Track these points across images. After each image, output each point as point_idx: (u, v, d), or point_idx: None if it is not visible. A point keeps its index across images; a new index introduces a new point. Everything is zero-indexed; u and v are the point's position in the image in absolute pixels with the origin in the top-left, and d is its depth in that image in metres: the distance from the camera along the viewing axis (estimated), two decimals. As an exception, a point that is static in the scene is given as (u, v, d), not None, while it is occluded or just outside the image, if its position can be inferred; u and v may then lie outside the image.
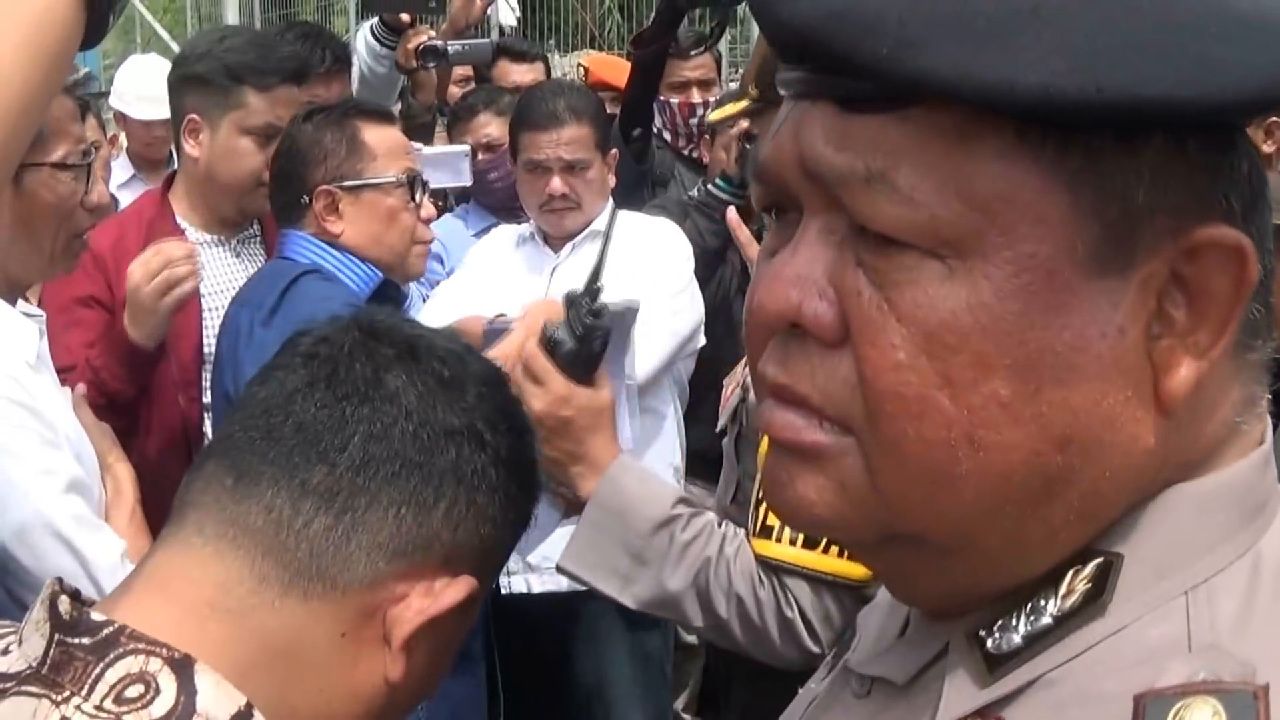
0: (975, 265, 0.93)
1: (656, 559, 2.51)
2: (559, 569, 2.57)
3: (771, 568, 2.50)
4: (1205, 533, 1.00)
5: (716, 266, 5.10)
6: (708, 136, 5.90)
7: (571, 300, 2.48)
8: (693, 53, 6.19)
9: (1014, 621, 1.01)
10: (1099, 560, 0.99)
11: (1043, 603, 1.00)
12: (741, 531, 2.57)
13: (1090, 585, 0.99)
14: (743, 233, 4.26)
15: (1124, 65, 0.89)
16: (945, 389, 0.95)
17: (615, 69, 7.16)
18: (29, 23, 1.40)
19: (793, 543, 2.47)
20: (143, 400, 3.96)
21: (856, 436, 0.99)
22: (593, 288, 2.54)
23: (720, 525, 2.58)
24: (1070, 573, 1.00)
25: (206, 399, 4.13)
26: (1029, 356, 0.93)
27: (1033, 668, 0.99)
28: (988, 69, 0.89)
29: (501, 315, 4.01)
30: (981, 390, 0.94)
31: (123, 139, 7.67)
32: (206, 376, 4.14)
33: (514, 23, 9.56)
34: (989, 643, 1.01)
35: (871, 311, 0.96)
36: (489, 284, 4.47)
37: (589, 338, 2.45)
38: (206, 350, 4.17)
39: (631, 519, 2.50)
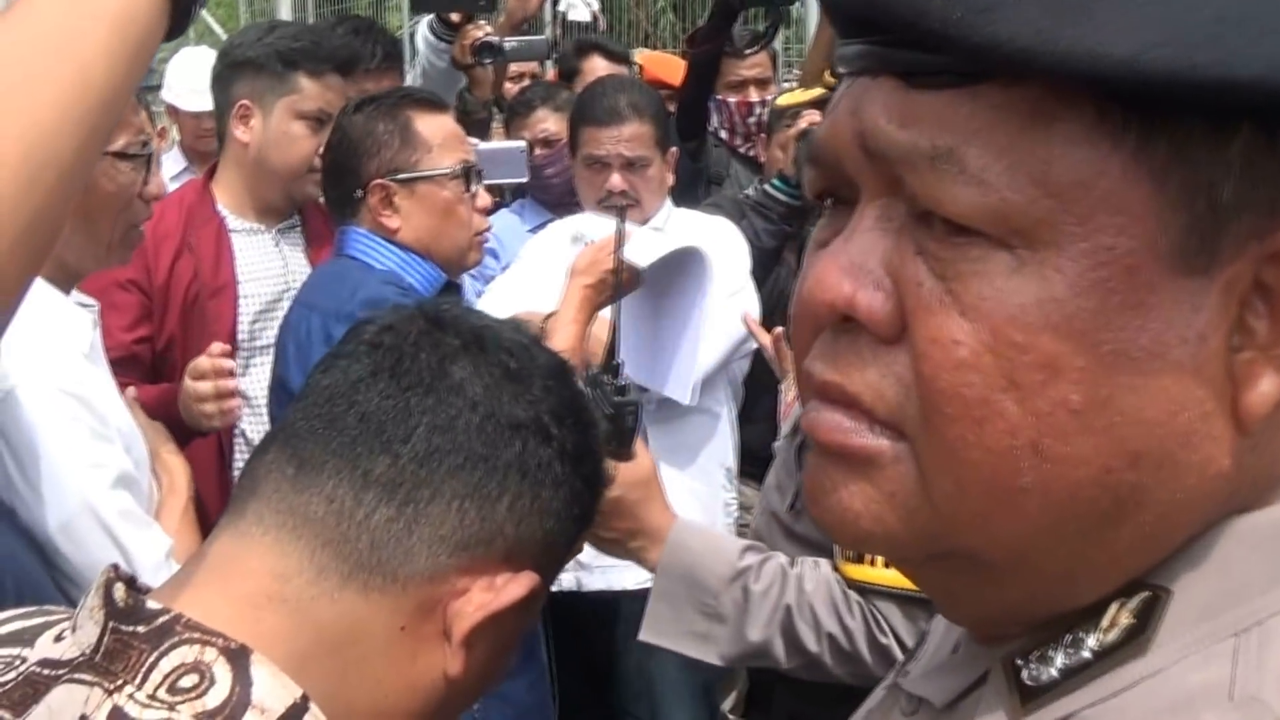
0: (1048, 257, 0.87)
1: (734, 614, 2.52)
2: (640, 642, 2.57)
3: (861, 590, 2.49)
4: (1264, 569, 0.92)
5: (772, 266, 5.10)
6: (764, 135, 5.89)
7: (594, 380, 2.46)
8: (748, 51, 6.17)
9: (1052, 653, 0.95)
10: (1145, 594, 0.93)
11: (1083, 635, 0.94)
12: (823, 564, 2.56)
13: (1134, 621, 0.92)
14: (763, 335, 4.26)
15: (1219, 40, 0.83)
16: (1011, 392, 0.88)
17: (669, 67, 7.15)
18: (113, 19, 1.39)
19: (887, 565, 2.44)
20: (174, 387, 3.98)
21: (910, 442, 0.93)
22: (612, 364, 2.53)
23: (793, 565, 2.56)
24: (1114, 605, 0.94)
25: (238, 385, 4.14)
26: (1103, 360, 0.87)
27: (1066, 704, 0.92)
28: (1070, 38, 0.83)
29: (556, 313, 4.01)
30: (1050, 395, 0.87)
31: (173, 132, 7.70)
32: (239, 362, 4.15)
33: (588, 18, 9.40)
34: (1024, 674, 0.96)
35: (932, 304, 0.90)
36: (544, 280, 4.44)
37: (621, 414, 2.45)
38: (240, 337, 4.23)
39: (701, 579, 2.51)
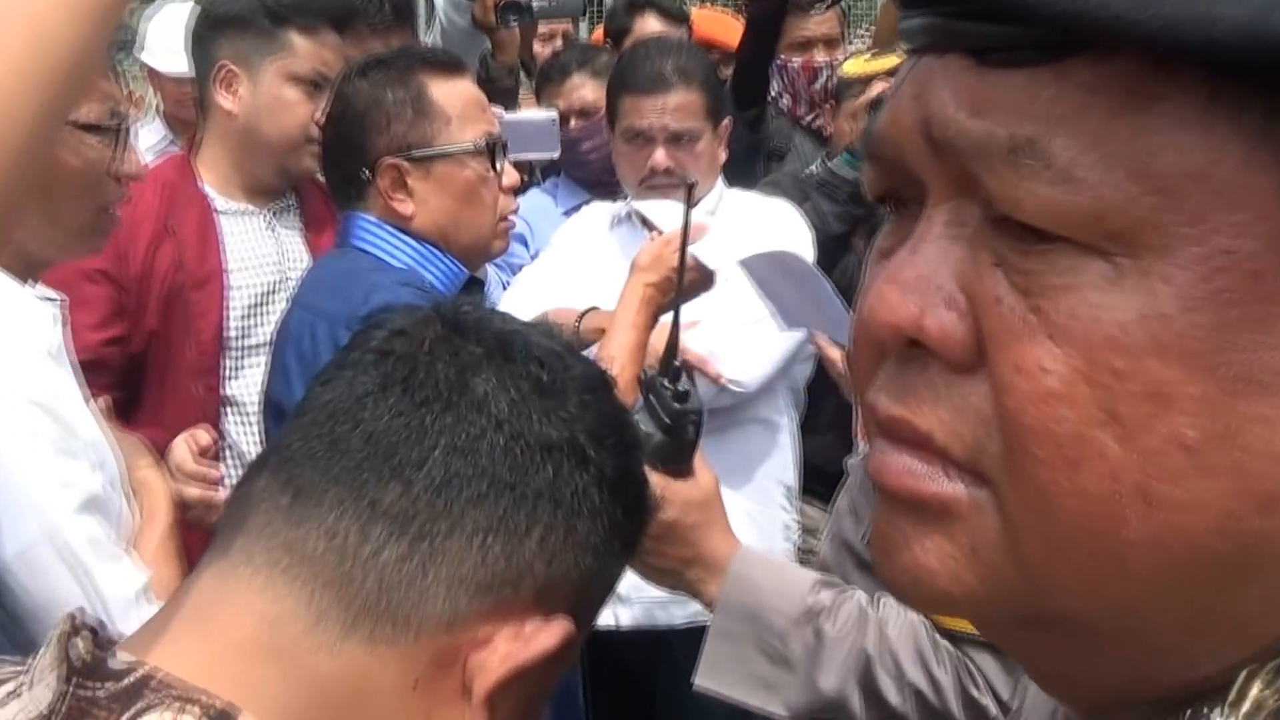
0: (1153, 265, 0.82)
1: (803, 659, 2.48)
2: (695, 688, 2.54)
3: (952, 638, 2.45)
4: None
5: (840, 255, 5.07)
6: (832, 103, 5.85)
7: (650, 385, 2.42)
8: (815, 8, 6.14)
9: None
10: None
11: (1208, 711, 0.88)
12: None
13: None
14: (830, 348, 4.21)
15: None
16: (1111, 427, 0.83)
17: (723, 26, 7.15)
18: None
19: None
20: (148, 389, 3.98)
21: (992, 488, 0.88)
22: (672, 366, 2.49)
23: (875, 603, 2.53)
24: (1244, 674, 0.88)
25: (226, 391, 4.18)
26: (1222, 386, 0.82)
27: None
28: (1176, 2, 0.78)
29: (594, 308, 3.97)
30: (1159, 429, 0.82)
31: (151, 97, 7.70)
32: (227, 364, 4.19)
33: None
34: None
35: (1015, 324, 0.85)
36: (579, 271, 4.42)
37: (680, 425, 2.42)
38: (228, 334, 4.21)
39: (766, 619, 2.48)
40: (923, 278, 0.88)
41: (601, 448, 1.43)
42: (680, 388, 2.44)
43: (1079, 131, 0.82)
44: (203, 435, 3.47)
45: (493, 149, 3.59)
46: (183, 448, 3.43)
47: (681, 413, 2.41)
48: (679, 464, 2.44)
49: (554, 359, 1.45)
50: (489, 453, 1.36)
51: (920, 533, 0.91)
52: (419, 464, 1.35)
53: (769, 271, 3.52)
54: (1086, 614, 0.89)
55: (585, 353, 3.09)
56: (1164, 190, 0.81)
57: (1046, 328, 0.84)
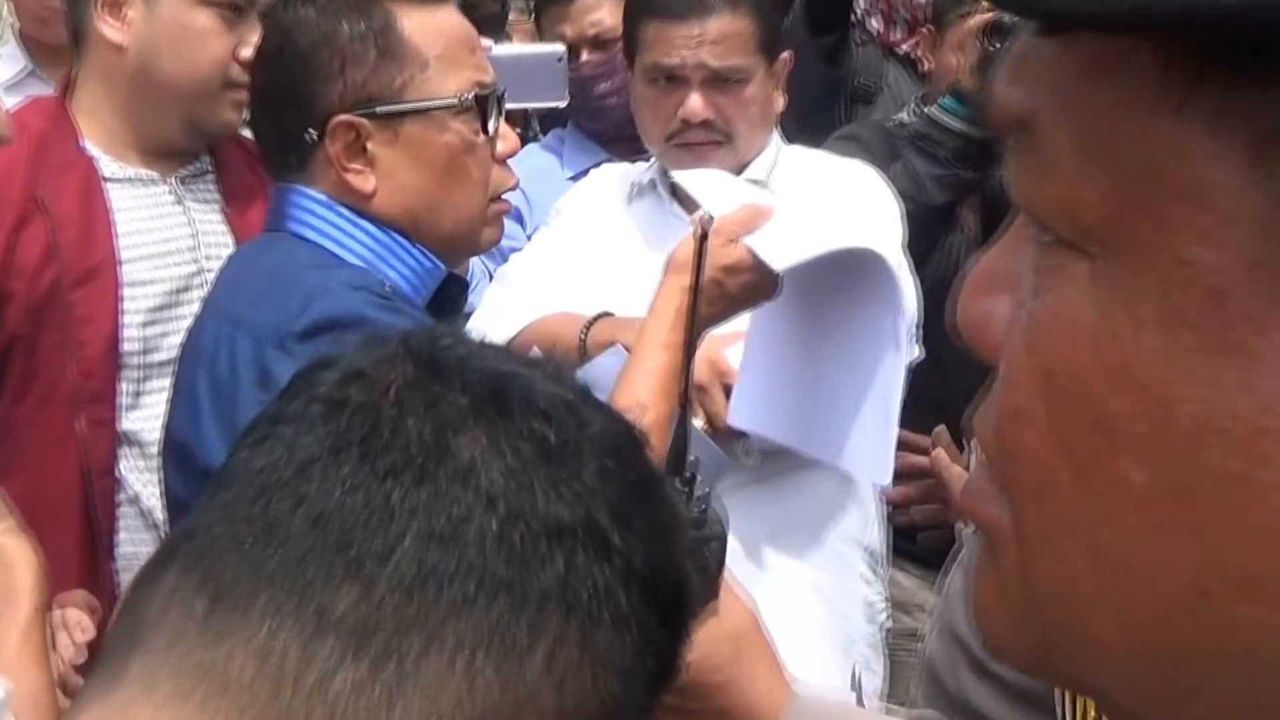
0: (1114, 271, 0.87)
1: None
2: None
3: None
4: None
5: (941, 234, 5.04)
6: (931, 28, 5.83)
7: None
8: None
9: None
10: None
11: None
12: None
13: None
14: (950, 471, 4.19)
15: None
16: (1068, 458, 0.89)
17: (788, -76, 7.15)
18: None
19: None
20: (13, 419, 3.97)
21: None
22: (684, 469, 2.38)
23: None
24: None
25: (124, 425, 4.10)
26: (1175, 428, 0.85)
27: None
28: None
29: (606, 314, 3.95)
30: (1108, 469, 0.87)
31: (3, 11, 7.67)
32: (125, 389, 4.11)
33: None
34: None
35: (1012, 330, 0.95)
36: (585, 259, 4.39)
37: (698, 542, 2.34)
38: (125, 347, 4.13)
39: None
40: (989, 273, 1.00)
41: (629, 531, 1.41)
42: (698, 492, 2.29)
43: (1068, 112, 0.90)
44: (82, 623, 3.48)
45: (484, 104, 3.44)
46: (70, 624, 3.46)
47: (700, 536, 2.29)
48: (700, 597, 2.35)
49: (564, 412, 1.43)
50: (478, 541, 1.34)
51: (983, 564, 1.01)
52: (383, 557, 1.32)
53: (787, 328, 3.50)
54: (1101, 689, 0.96)
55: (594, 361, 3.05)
56: (1128, 183, 0.86)
57: (1028, 335, 0.92)
